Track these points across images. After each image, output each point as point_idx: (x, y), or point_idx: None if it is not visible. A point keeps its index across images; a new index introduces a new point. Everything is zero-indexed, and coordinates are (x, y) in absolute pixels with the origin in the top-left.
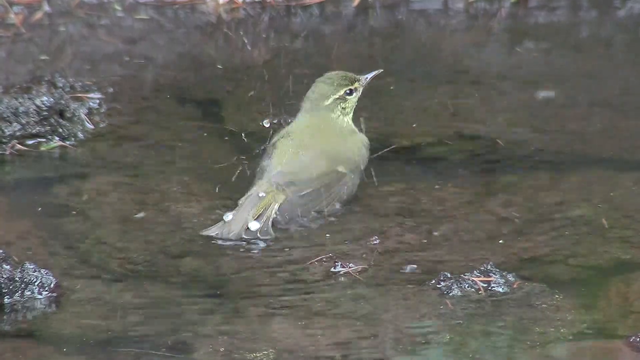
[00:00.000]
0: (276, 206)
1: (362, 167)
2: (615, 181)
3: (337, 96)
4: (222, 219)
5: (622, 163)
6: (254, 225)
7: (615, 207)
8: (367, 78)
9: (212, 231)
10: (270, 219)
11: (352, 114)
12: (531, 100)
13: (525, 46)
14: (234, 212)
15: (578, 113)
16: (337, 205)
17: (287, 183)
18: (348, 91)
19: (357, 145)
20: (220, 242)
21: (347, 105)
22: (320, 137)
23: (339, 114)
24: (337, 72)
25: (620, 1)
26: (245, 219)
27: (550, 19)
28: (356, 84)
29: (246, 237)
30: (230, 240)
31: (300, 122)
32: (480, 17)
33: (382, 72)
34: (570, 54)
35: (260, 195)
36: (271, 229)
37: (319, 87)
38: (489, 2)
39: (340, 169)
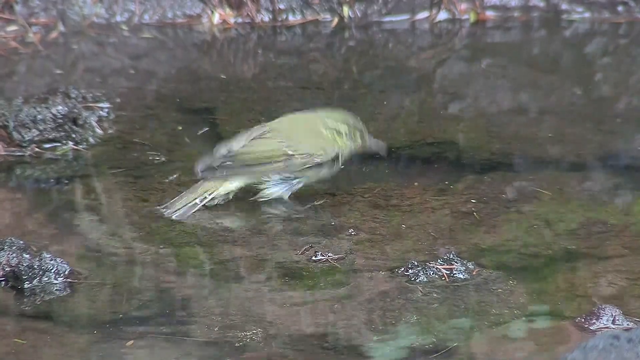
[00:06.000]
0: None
1: (333, 160)
2: (562, 180)
3: (357, 128)
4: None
5: (569, 164)
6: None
7: (562, 203)
8: (368, 141)
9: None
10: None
11: (352, 146)
12: (488, 108)
13: (483, 61)
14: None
15: (530, 120)
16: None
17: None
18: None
19: (330, 144)
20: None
21: (356, 138)
22: (297, 128)
23: (349, 142)
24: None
25: (566, 22)
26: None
27: (505, 38)
28: (365, 137)
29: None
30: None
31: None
32: (444, 35)
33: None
34: (522, 68)
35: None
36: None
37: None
38: (451, 22)
39: (290, 151)
